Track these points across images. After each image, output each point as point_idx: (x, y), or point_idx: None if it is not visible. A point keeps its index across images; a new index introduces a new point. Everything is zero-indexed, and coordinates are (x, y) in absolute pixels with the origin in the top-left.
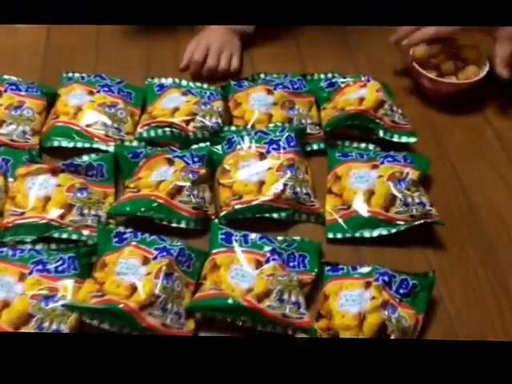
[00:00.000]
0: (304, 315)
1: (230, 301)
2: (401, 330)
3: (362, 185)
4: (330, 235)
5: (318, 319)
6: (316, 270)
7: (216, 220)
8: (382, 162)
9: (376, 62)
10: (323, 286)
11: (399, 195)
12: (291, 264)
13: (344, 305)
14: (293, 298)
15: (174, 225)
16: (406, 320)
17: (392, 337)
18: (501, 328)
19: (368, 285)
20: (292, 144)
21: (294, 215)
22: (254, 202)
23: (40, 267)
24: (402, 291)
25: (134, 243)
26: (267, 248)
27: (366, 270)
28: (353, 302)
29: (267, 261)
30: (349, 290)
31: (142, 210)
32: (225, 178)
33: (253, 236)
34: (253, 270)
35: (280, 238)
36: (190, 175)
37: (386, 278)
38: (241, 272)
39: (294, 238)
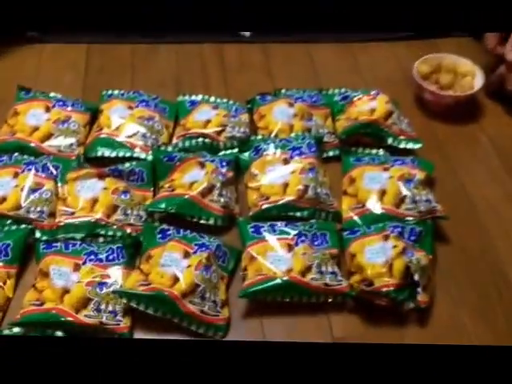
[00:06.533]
0: (342, 281)
1: (278, 280)
2: (420, 268)
3: (374, 185)
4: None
5: (349, 276)
6: (337, 244)
7: (241, 218)
8: (393, 165)
9: (382, 78)
10: (346, 248)
11: (408, 193)
12: (316, 243)
13: (371, 258)
14: (329, 269)
15: (202, 221)
16: (422, 260)
17: (416, 276)
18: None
19: (386, 237)
20: (312, 150)
21: (315, 214)
22: (280, 202)
23: (92, 257)
24: (412, 238)
25: (176, 239)
26: (294, 232)
27: (379, 225)
28: (377, 254)
29: (296, 243)
30: (371, 245)
31: (176, 207)
32: (253, 182)
33: (279, 224)
34: (286, 253)
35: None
36: (220, 177)
37: (399, 229)
38: (277, 257)
39: (312, 221)
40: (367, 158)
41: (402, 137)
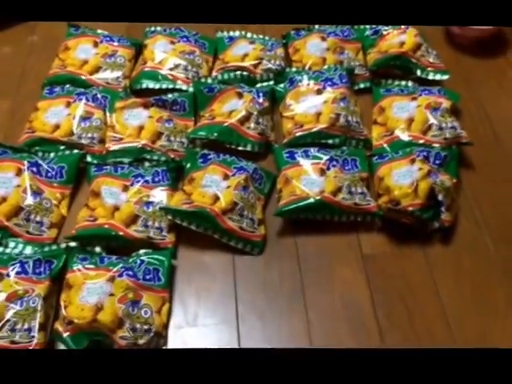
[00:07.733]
0: (371, 202)
1: (311, 200)
2: (444, 189)
3: (403, 114)
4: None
5: (378, 198)
6: (367, 169)
7: (276, 145)
8: (420, 95)
9: None
10: (375, 172)
11: (435, 121)
12: (346, 167)
13: (398, 180)
14: (359, 190)
15: (240, 148)
16: (446, 182)
17: (440, 196)
18: None
19: (413, 161)
20: (344, 81)
21: (346, 141)
22: (313, 130)
23: (139, 179)
24: (437, 162)
25: (216, 162)
26: (326, 157)
27: (406, 150)
28: (404, 177)
29: (328, 167)
30: (398, 168)
31: (215, 134)
32: (287, 111)
33: (312, 150)
34: (318, 177)
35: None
36: (257, 106)
37: (425, 153)
38: (310, 180)
39: (343, 148)
40: (396, 89)
41: (430, 68)
